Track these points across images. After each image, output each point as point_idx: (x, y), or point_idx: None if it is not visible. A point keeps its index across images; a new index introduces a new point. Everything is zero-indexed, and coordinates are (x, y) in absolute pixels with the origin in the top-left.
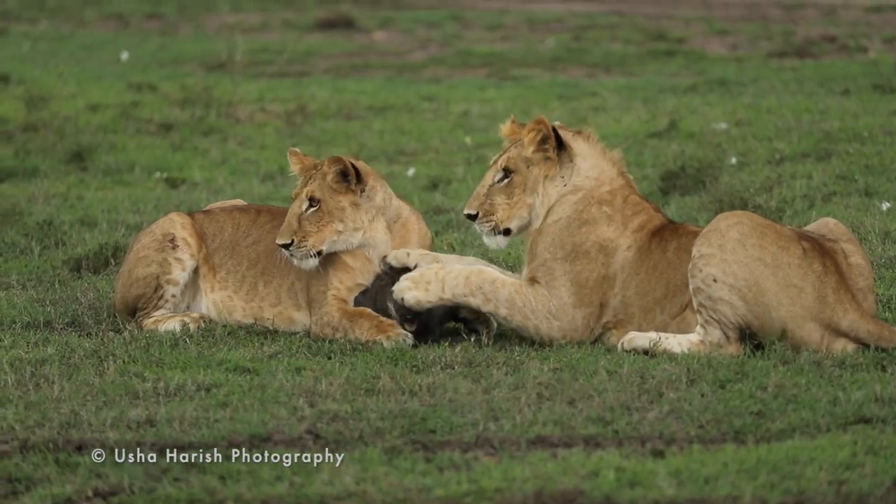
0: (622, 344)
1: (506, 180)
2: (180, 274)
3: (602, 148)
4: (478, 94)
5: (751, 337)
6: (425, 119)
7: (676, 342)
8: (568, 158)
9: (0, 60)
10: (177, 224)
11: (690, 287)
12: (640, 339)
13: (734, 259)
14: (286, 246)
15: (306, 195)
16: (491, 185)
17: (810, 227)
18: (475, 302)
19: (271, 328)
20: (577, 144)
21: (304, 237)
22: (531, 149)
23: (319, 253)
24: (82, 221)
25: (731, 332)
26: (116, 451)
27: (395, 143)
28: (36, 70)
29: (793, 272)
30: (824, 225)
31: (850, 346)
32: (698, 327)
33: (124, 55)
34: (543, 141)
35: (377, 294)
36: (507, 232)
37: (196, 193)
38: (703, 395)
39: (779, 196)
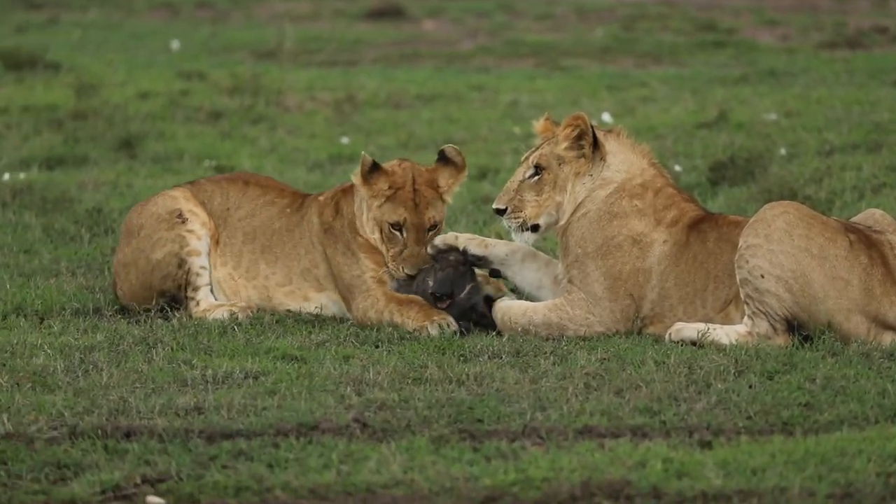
0: (669, 334)
1: (536, 177)
2: (198, 243)
3: (632, 143)
4: (527, 84)
5: (799, 328)
6: (474, 108)
7: (724, 333)
8: (599, 157)
9: (51, 48)
10: (179, 199)
11: (737, 278)
12: (687, 329)
13: (780, 249)
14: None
15: None
16: (521, 181)
17: (856, 219)
18: (520, 332)
19: (277, 309)
20: (609, 143)
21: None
22: (565, 145)
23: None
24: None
25: (779, 323)
26: (165, 437)
27: (443, 132)
28: (86, 58)
29: (839, 264)
30: (870, 216)
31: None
32: (746, 318)
33: (174, 43)
34: (580, 137)
35: (425, 276)
36: (534, 228)
37: None
38: (751, 387)
39: (828, 187)
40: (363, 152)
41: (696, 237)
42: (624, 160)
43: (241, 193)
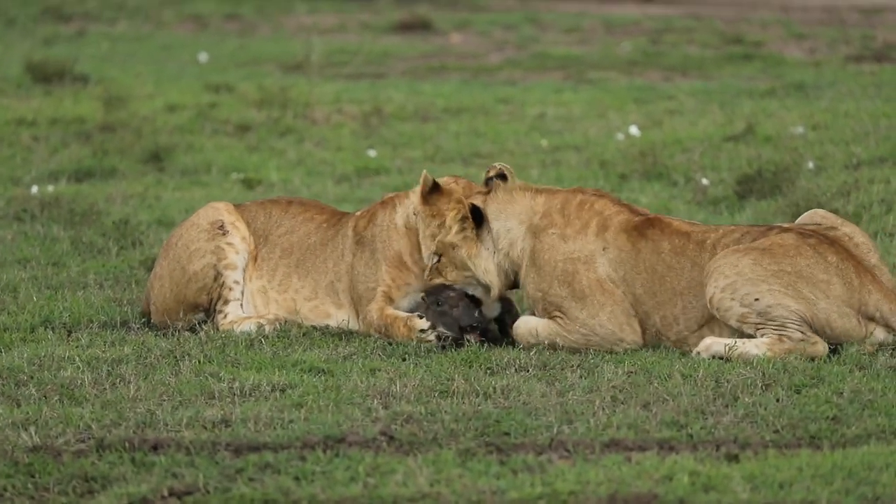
0: (699, 352)
1: (438, 261)
2: (236, 257)
3: (509, 192)
4: (554, 97)
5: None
6: (501, 121)
7: (754, 345)
8: (486, 230)
9: (79, 61)
10: (221, 210)
11: (733, 323)
12: (717, 345)
13: (757, 276)
14: None
15: None
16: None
17: (801, 220)
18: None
19: (303, 322)
20: (490, 209)
21: None
22: (454, 229)
23: None
24: (159, 221)
25: (805, 326)
26: (192, 450)
27: (470, 145)
28: (114, 70)
29: (814, 268)
30: (814, 215)
31: (881, 333)
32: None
33: (202, 56)
34: (464, 220)
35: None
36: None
37: (273, 194)
38: (778, 400)
39: (856, 201)
40: (424, 171)
41: (646, 245)
42: (508, 219)
43: (283, 212)
